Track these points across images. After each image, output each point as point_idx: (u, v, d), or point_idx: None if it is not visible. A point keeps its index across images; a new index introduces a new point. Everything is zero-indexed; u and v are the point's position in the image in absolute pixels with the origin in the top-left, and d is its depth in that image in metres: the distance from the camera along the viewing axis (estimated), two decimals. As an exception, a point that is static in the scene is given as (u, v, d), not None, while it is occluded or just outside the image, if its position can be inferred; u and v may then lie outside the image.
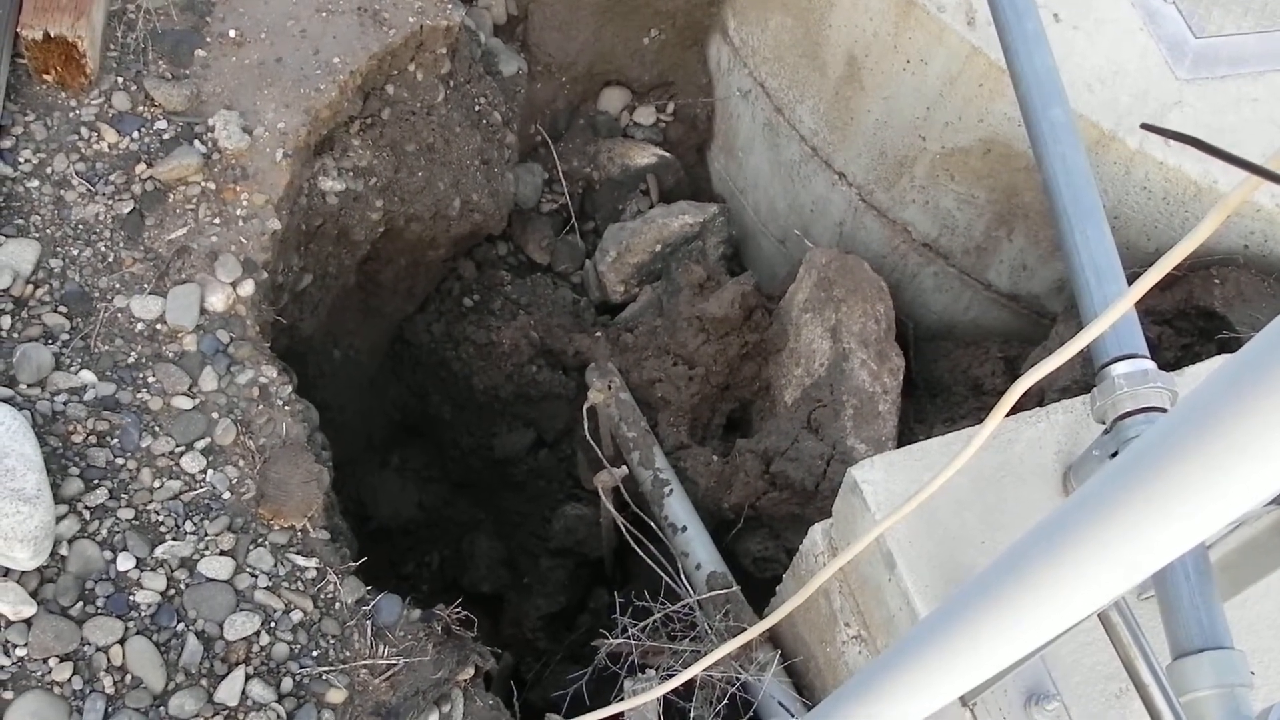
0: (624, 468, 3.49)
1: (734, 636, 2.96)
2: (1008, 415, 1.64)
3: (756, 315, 3.82)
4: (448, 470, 4.34)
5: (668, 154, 4.42)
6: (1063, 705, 2.29)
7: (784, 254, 4.38)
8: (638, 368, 3.82)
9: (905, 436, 3.60)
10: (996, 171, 3.47)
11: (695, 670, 2.53)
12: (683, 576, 3.21)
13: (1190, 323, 3.33)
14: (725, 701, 2.81)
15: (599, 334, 3.97)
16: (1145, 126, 1.22)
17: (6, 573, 2.46)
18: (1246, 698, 2.05)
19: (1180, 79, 3.25)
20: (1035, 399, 3.26)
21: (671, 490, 3.48)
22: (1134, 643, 1.98)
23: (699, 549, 3.33)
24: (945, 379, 3.90)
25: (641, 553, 3.24)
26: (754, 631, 2.47)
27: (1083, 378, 3.17)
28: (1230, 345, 3.10)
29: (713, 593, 3.09)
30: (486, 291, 4.08)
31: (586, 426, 3.58)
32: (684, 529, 3.39)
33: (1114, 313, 1.39)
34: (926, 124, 3.51)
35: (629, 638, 3.02)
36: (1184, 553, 1.88)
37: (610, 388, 3.56)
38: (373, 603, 2.69)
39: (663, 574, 3.18)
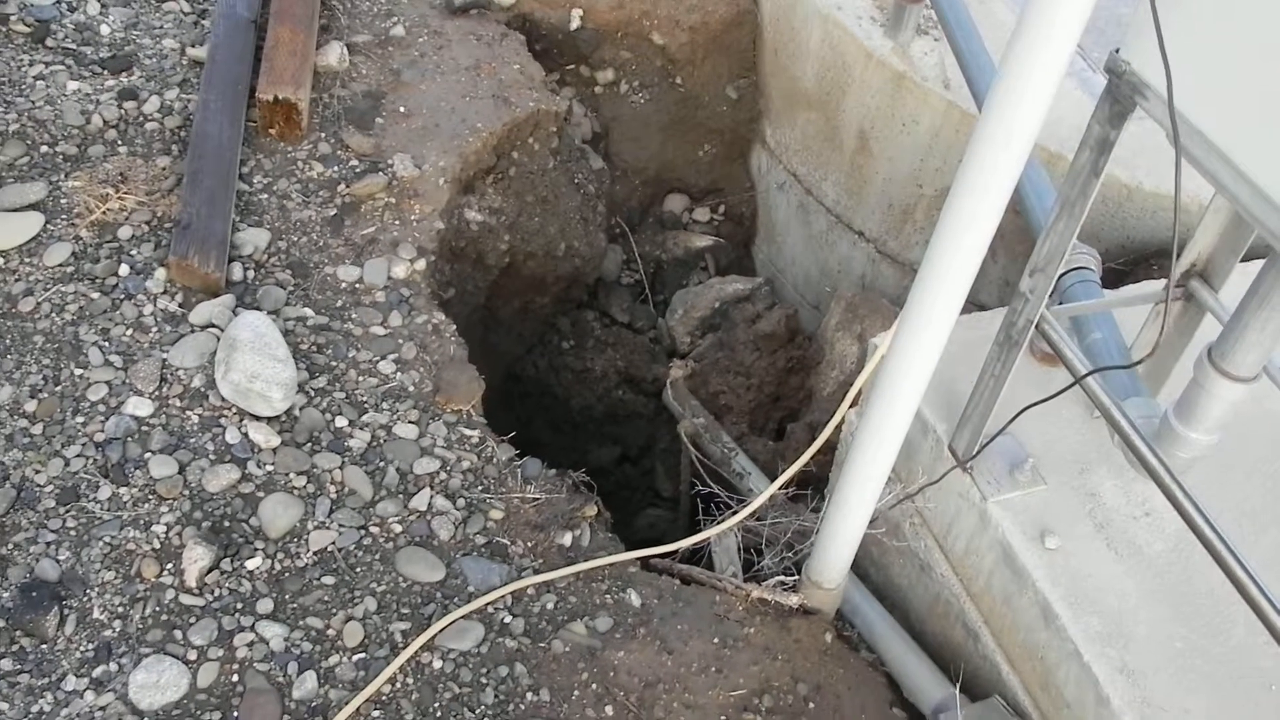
0: (691, 362, 4.39)
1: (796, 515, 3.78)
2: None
3: (799, 338, 4.79)
4: (546, 491, 5.20)
5: (722, 239, 5.52)
6: (1034, 464, 3.11)
7: (818, 317, 5.37)
8: (704, 386, 4.75)
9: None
10: (978, 204, 4.50)
11: (761, 499, 3.39)
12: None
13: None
14: (788, 543, 3.60)
15: (671, 365, 4.94)
16: None
17: (257, 418, 3.39)
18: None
19: (1109, 122, 4.33)
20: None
21: (737, 453, 4.35)
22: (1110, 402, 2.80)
23: (762, 487, 4.16)
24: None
25: (708, 479, 4.08)
26: (805, 458, 3.33)
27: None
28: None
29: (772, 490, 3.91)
30: (580, 337, 5.09)
31: (670, 395, 4.49)
32: (750, 474, 4.24)
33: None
34: (922, 172, 4.59)
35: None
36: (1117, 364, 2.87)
37: (688, 366, 4.51)
38: (521, 462, 3.57)
39: (729, 492, 4.01)
